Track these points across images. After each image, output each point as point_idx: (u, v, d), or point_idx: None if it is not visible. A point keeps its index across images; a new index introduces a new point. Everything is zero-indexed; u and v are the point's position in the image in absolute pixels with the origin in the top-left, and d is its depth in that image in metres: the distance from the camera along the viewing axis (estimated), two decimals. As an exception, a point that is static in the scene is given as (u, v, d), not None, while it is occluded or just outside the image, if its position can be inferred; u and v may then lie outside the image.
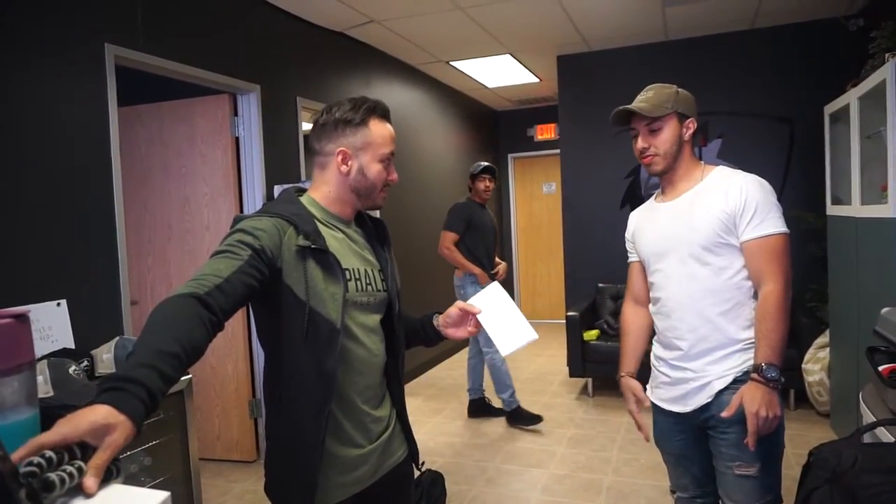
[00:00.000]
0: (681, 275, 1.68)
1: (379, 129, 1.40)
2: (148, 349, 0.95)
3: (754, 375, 1.53)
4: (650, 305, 1.83)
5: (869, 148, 3.27)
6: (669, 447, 1.82)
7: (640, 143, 1.71)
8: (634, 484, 3.21)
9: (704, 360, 1.65)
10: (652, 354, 1.85)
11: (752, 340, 1.61)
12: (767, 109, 4.78)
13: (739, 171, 1.70)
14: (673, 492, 1.87)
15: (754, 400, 1.50)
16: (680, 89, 1.73)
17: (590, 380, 4.78)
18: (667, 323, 1.73)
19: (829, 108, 4.02)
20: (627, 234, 1.92)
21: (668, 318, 1.72)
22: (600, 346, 4.60)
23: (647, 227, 1.82)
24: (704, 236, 1.63)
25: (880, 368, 1.93)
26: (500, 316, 1.45)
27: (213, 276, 1.11)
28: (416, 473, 1.63)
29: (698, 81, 4.97)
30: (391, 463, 1.48)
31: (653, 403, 1.82)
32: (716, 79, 4.91)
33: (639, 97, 1.73)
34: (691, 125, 1.72)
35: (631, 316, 1.91)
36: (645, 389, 1.84)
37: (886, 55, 2.90)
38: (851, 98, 3.39)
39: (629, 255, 1.93)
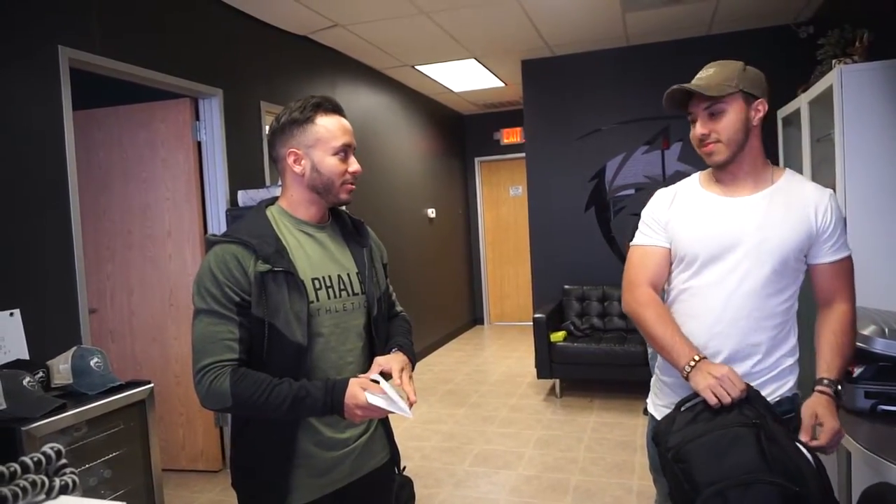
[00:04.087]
0: (738, 288, 1.47)
1: (327, 123, 1.37)
2: (287, 393, 1.26)
3: (827, 390, 1.42)
4: (672, 309, 1.59)
5: (819, 151, 3.39)
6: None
7: (700, 130, 1.49)
8: (601, 483, 3.26)
9: None
10: (660, 370, 1.66)
11: (787, 367, 1.52)
12: (725, 113, 4.91)
13: (807, 178, 1.55)
14: None
15: (833, 415, 1.39)
16: (748, 66, 1.50)
17: (557, 381, 4.83)
18: (699, 340, 1.50)
19: (782, 113, 4.16)
20: (656, 215, 1.59)
21: (706, 334, 1.50)
22: (567, 348, 4.66)
23: (696, 219, 1.53)
24: (783, 254, 1.45)
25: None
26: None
27: (228, 342, 1.28)
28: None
29: (658, 85, 5.04)
30: (371, 465, 1.48)
31: (653, 419, 1.67)
32: (675, 83, 5.00)
33: (698, 75, 1.51)
34: (761, 107, 1.50)
35: (658, 299, 1.56)
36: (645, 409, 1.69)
37: (833, 61, 3.02)
38: (802, 102, 3.52)
39: (648, 236, 1.60)
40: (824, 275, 1.51)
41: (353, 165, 1.40)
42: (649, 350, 1.90)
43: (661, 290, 1.61)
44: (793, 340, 1.55)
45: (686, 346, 1.45)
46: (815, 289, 1.55)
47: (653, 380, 1.75)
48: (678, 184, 1.64)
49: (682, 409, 1.44)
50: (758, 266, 1.46)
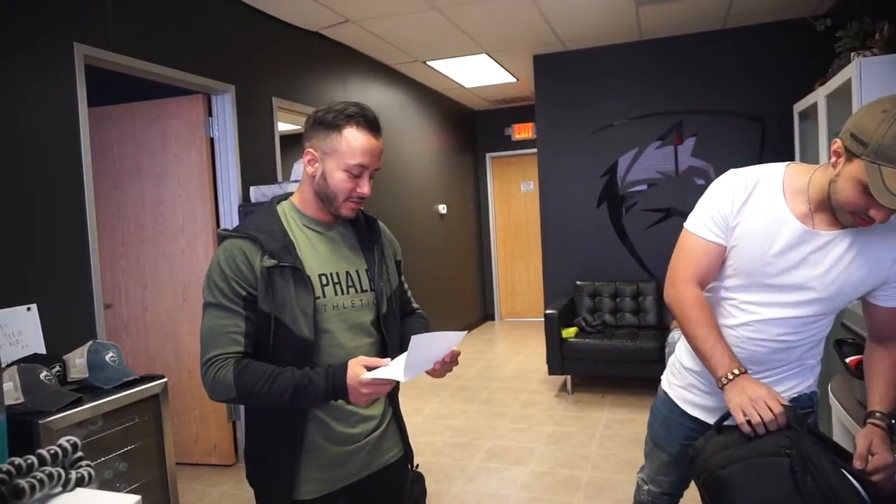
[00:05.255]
0: (783, 316, 1.43)
1: (352, 138, 1.32)
2: (289, 381, 1.26)
3: (881, 423, 1.35)
4: (709, 303, 1.54)
5: (836, 145, 3.34)
6: (671, 447, 1.68)
7: (880, 217, 1.25)
8: (612, 479, 3.25)
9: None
10: (682, 356, 1.66)
11: (809, 366, 1.52)
12: (740, 108, 4.87)
13: None
14: (644, 482, 1.82)
15: (886, 449, 1.32)
16: None
17: (568, 377, 4.82)
18: (740, 351, 1.47)
19: (799, 107, 4.11)
20: (724, 210, 1.44)
21: (735, 341, 1.48)
22: (578, 344, 4.64)
23: (768, 241, 1.40)
24: (844, 301, 1.42)
25: (847, 360, 1.99)
26: (427, 354, 1.28)
27: (234, 335, 1.29)
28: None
29: (673, 80, 5.05)
30: (383, 461, 1.48)
31: (666, 397, 1.70)
32: (689, 78, 4.98)
33: None
34: None
35: (703, 299, 1.49)
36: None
37: (852, 54, 2.97)
38: (819, 96, 3.47)
39: (710, 230, 1.46)
40: (884, 316, 1.43)
41: (362, 188, 1.35)
42: (669, 341, 1.87)
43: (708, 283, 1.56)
44: (821, 345, 1.52)
45: (727, 357, 1.39)
46: (869, 323, 1.48)
47: (671, 358, 1.74)
48: (759, 175, 1.43)
49: (720, 429, 1.40)
50: (813, 305, 1.41)
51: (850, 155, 1.24)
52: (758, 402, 1.29)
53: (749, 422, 1.30)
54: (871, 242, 1.35)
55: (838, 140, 1.28)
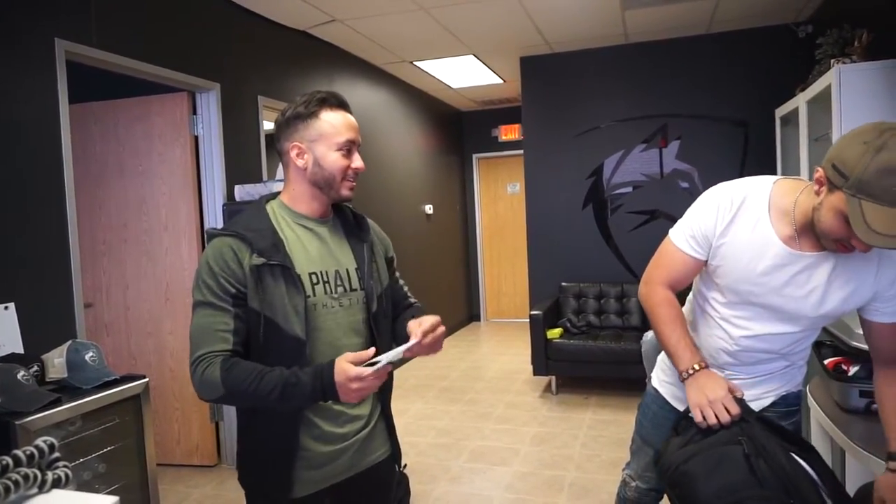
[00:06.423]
0: (771, 334, 1.46)
1: (332, 119, 1.37)
2: (277, 380, 1.24)
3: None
4: (696, 317, 1.60)
5: (817, 150, 3.39)
6: (658, 442, 1.68)
7: (861, 248, 1.24)
8: (596, 480, 3.27)
9: (744, 385, 1.51)
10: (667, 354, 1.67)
11: (797, 366, 1.55)
12: (723, 112, 4.93)
13: None
14: (632, 478, 1.83)
15: None
16: None
17: (553, 378, 4.84)
18: (717, 359, 1.52)
19: (780, 112, 4.16)
20: (706, 229, 1.44)
21: (725, 353, 1.52)
22: (563, 345, 4.66)
23: (754, 264, 1.39)
24: (835, 317, 1.41)
25: (825, 362, 2.02)
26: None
27: (223, 333, 1.28)
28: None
29: (657, 84, 5.09)
30: (370, 461, 1.48)
31: (657, 394, 1.72)
32: (674, 81, 5.03)
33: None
34: None
35: (673, 300, 1.54)
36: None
37: (832, 61, 3.02)
38: (800, 102, 3.52)
39: (690, 245, 1.48)
40: (883, 334, 1.40)
41: (356, 162, 1.40)
42: (644, 339, 1.93)
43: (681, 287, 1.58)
44: (808, 349, 1.55)
45: (689, 352, 1.44)
46: (871, 344, 1.45)
47: (661, 356, 1.75)
48: (746, 192, 1.41)
49: (677, 430, 1.47)
50: (801, 321, 1.43)
51: (832, 185, 1.21)
52: (716, 403, 1.37)
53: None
54: (854, 259, 1.35)
55: (820, 169, 1.26)
